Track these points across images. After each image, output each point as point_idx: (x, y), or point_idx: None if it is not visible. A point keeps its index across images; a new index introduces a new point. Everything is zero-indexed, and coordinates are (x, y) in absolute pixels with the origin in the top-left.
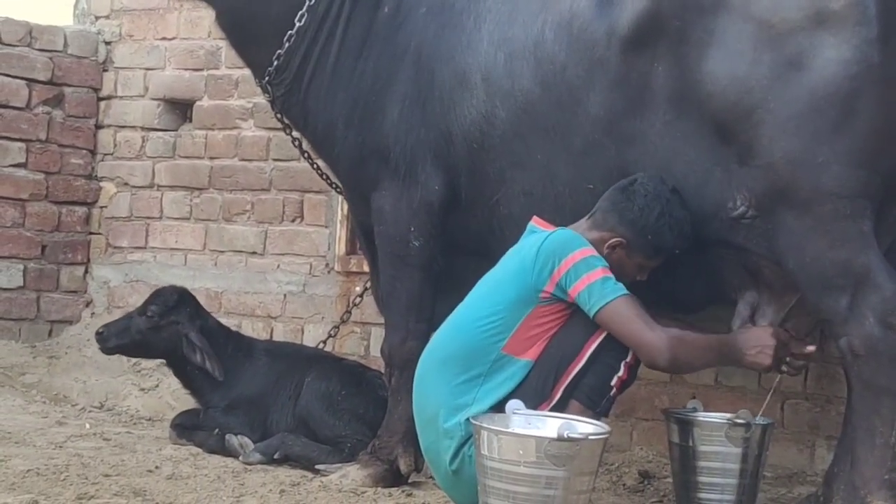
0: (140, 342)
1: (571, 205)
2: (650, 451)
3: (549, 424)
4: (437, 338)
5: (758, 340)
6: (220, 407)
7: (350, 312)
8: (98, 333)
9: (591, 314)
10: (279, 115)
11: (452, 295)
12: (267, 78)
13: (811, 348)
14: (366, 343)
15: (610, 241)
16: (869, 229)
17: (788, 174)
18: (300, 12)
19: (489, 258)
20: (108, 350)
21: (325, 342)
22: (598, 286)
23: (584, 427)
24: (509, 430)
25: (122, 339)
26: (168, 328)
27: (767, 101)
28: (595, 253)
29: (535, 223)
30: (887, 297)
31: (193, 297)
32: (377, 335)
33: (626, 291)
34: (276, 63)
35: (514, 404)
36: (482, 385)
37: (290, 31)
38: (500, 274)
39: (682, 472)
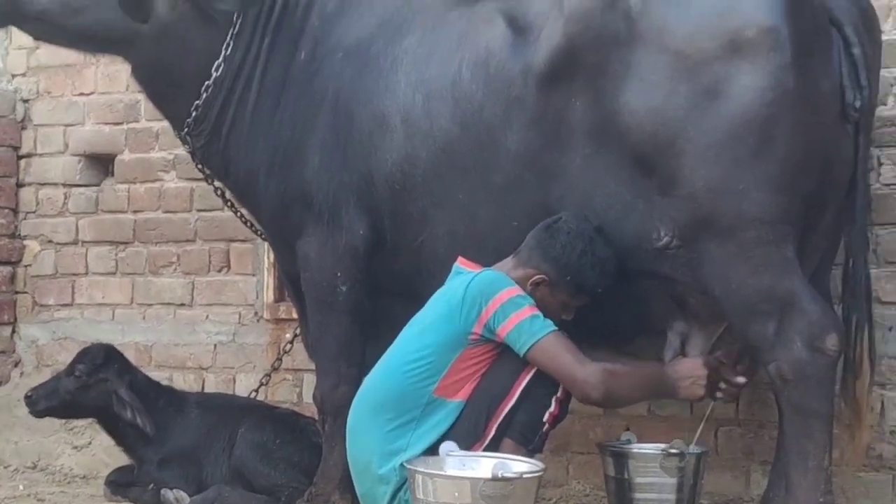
0: (70, 403)
1: (495, 243)
2: (587, 485)
3: (483, 465)
4: (367, 383)
5: (690, 372)
6: (155, 462)
7: (281, 360)
8: (27, 397)
9: (522, 353)
10: (200, 166)
11: (381, 338)
12: (186, 129)
13: (742, 380)
14: (298, 390)
15: (533, 279)
16: (792, 254)
17: (710, 202)
18: (217, 62)
19: (416, 300)
20: (38, 413)
21: (256, 391)
22: (526, 325)
23: (518, 465)
24: (444, 472)
25: (51, 402)
26: (97, 386)
27: (686, 131)
28: (521, 292)
29: (461, 264)
30: (813, 321)
31: (120, 354)
32: (309, 382)
33: (554, 328)
34: (194, 114)
35: (448, 446)
36: (415, 429)
37: (207, 82)
38: (427, 317)
39: None
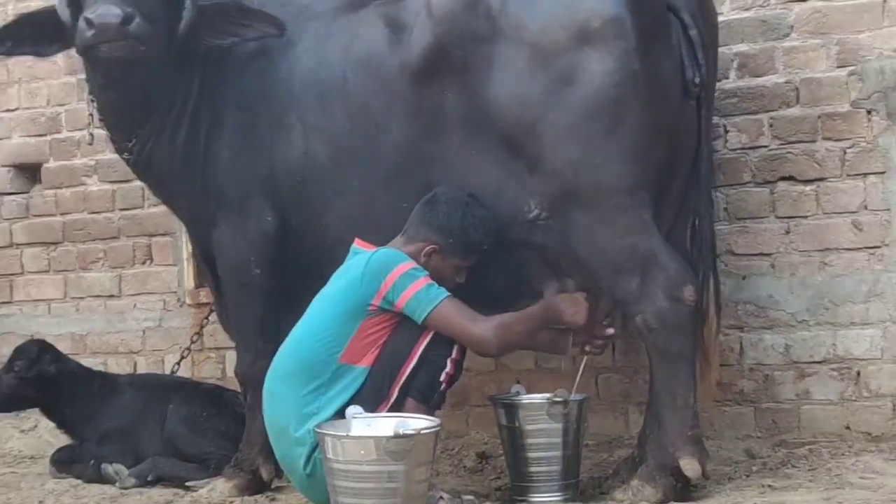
0: (12, 396)
1: (390, 223)
2: (485, 434)
3: (385, 424)
4: (279, 355)
5: (573, 302)
6: (94, 440)
7: (200, 334)
8: None
9: (421, 320)
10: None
11: (292, 314)
12: (126, 154)
13: (611, 331)
14: (221, 366)
15: (425, 250)
16: (649, 217)
17: (572, 177)
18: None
19: (322, 278)
20: None
21: (178, 364)
22: (423, 293)
23: (417, 423)
24: (350, 434)
25: None
26: (35, 378)
27: (546, 115)
28: (415, 265)
29: (358, 245)
30: (671, 275)
31: (52, 346)
32: (231, 358)
33: (448, 294)
34: (133, 141)
35: (354, 409)
36: (325, 394)
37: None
38: (330, 292)
39: (513, 450)
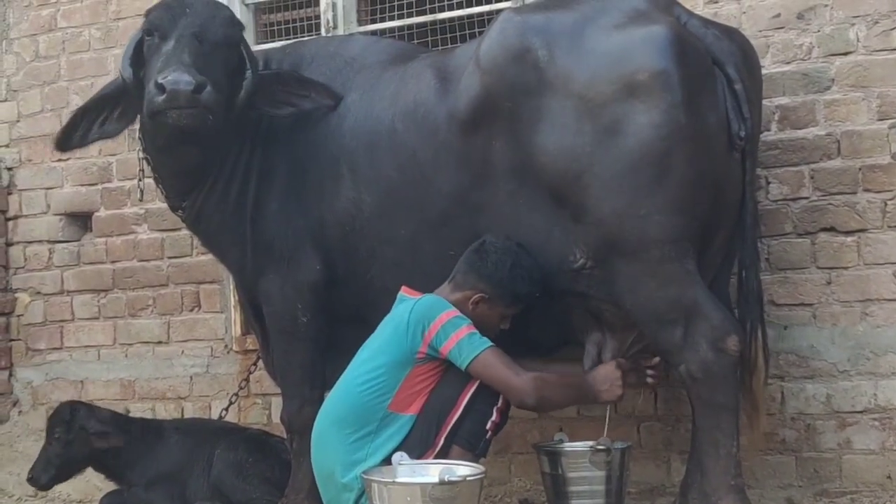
0: (64, 464)
1: (437, 271)
2: (528, 481)
3: (431, 471)
4: (328, 401)
5: (606, 377)
6: (141, 485)
7: (248, 381)
8: (29, 479)
9: (464, 367)
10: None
11: (339, 361)
12: (180, 212)
13: (651, 381)
14: (267, 412)
15: (473, 298)
16: (693, 268)
17: (617, 227)
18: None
19: (368, 326)
20: (43, 487)
21: (226, 410)
22: (465, 342)
23: (462, 470)
24: (396, 480)
25: (49, 472)
26: (78, 438)
27: (592, 166)
28: (458, 313)
29: (404, 292)
30: (715, 325)
31: (81, 402)
32: (277, 405)
33: (491, 343)
34: (187, 200)
35: (399, 456)
36: (373, 441)
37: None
38: (377, 340)
39: (555, 497)
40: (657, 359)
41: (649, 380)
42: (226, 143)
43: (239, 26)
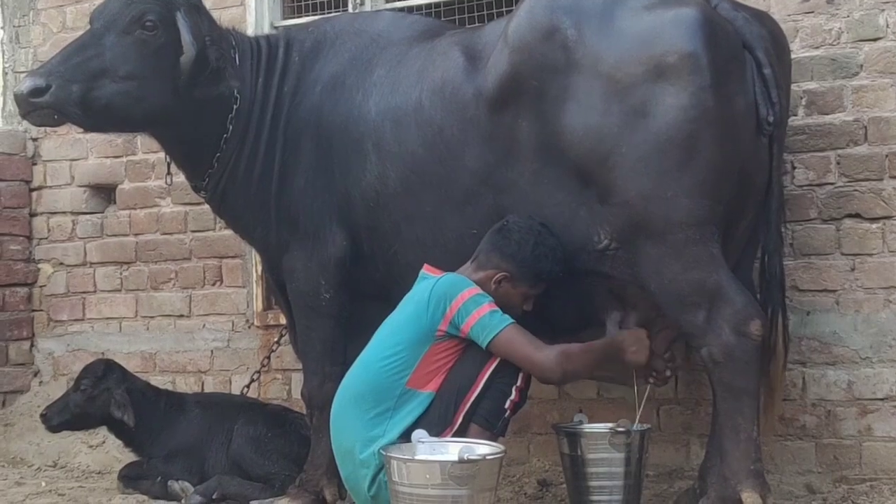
0: (79, 415)
1: (459, 249)
2: (546, 462)
3: (450, 449)
4: (347, 378)
5: (634, 338)
6: (161, 457)
7: (269, 359)
8: (42, 416)
9: (485, 345)
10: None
11: (360, 337)
12: (206, 179)
13: (669, 373)
14: (287, 388)
15: (496, 277)
16: (717, 251)
17: (642, 209)
18: (230, 115)
19: (390, 303)
20: (53, 429)
21: (248, 387)
22: (486, 319)
23: (482, 448)
24: (416, 457)
25: (63, 416)
26: (101, 397)
27: (619, 147)
28: (480, 291)
29: (426, 270)
30: (738, 309)
31: (118, 365)
32: (297, 380)
33: (512, 321)
34: (216, 165)
35: (419, 434)
36: (391, 418)
37: (225, 135)
38: (398, 317)
39: (574, 478)
40: (669, 373)
41: (667, 372)
42: (201, 123)
43: (156, 12)
